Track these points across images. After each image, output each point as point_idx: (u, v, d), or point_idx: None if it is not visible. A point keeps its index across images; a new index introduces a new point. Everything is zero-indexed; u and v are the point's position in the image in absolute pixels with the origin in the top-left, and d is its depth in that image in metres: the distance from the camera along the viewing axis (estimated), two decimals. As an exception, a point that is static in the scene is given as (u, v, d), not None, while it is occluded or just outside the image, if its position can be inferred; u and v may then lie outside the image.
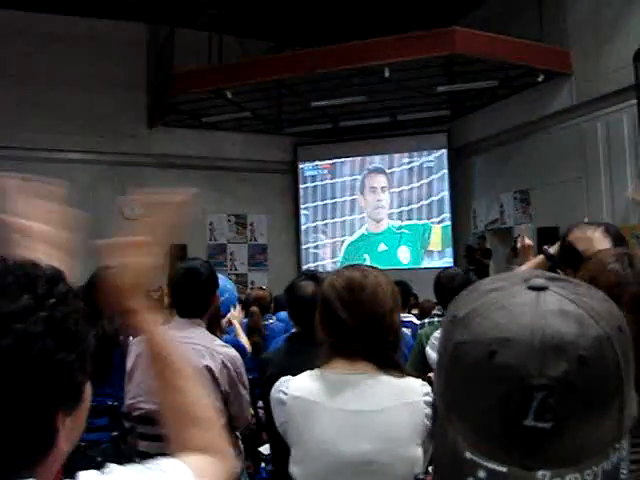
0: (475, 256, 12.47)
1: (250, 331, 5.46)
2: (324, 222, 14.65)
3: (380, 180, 14.33)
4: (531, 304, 0.65)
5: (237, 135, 14.03)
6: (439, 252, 13.84)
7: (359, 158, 14.50)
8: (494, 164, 12.90)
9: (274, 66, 11.34)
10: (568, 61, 11.01)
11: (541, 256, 2.52)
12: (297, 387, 1.89)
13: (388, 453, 1.76)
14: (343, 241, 14.51)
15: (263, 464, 3.76)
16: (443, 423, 0.69)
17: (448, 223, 13.75)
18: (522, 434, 0.61)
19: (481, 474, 0.63)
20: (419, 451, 1.77)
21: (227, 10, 12.14)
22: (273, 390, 1.97)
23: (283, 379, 1.97)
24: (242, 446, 3.19)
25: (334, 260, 14.36)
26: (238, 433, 3.20)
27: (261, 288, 7.12)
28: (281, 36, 13.14)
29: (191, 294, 3.02)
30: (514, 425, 0.61)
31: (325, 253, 14.58)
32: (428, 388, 1.82)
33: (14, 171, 1.11)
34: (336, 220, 14.58)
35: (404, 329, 4.67)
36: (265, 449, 3.48)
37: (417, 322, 5.54)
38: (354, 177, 14.56)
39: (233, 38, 13.07)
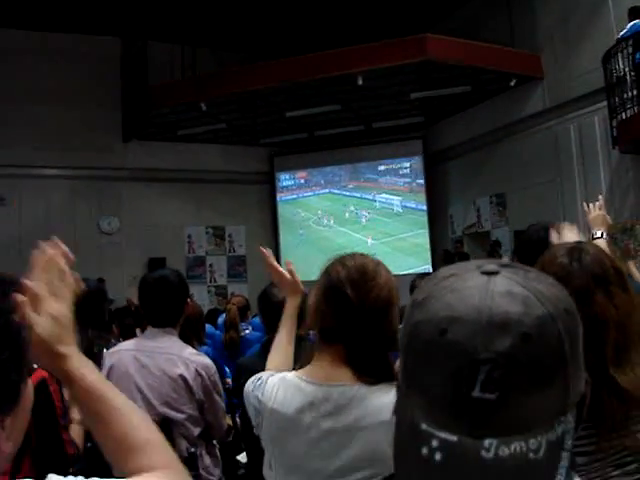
0: (453, 260, 12.53)
1: (227, 327, 5.56)
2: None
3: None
4: (481, 287, 0.70)
5: (213, 147, 14.01)
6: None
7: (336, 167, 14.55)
8: (470, 169, 12.97)
9: (248, 77, 11.33)
10: (539, 65, 11.13)
11: None
12: (272, 396, 1.83)
13: (363, 472, 1.73)
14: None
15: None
16: (403, 399, 0.73)
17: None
18: (470, 405, 0.65)
19: (434, 443, 0.67)
20: None
21: (199, 22, 12.15)
22: (247, 390, 1.92)
23: (257, 380, 1.91)
24: (219, 455, 3.15)
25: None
26: (215, 442, 3.17)
27: (237, 295, 7.32)
28: (254, 47, 13.16)
29: (162, 303, 2.99)
30: (463, 397, 0.65)
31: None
32: None
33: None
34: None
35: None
36: (242, 457, 3.46)
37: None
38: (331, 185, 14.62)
39: (206, 50, 13.10)
